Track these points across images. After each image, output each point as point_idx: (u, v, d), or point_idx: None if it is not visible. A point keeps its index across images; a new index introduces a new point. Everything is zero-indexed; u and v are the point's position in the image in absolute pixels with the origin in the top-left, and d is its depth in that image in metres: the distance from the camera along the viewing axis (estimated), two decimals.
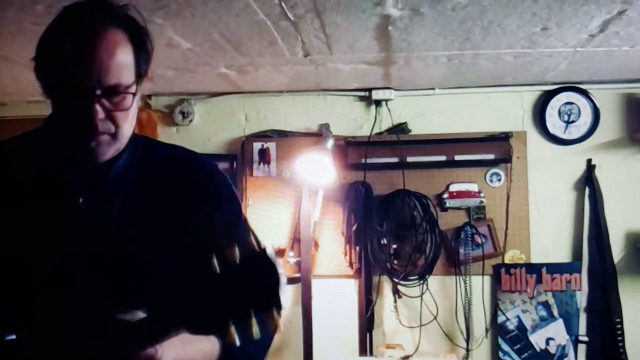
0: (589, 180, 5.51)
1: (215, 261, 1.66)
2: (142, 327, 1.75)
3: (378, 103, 5.68)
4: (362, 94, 5.71)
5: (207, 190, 2.26)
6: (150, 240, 2.09)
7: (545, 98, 5.58)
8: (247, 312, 1.68)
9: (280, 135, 5.72)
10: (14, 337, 1.83)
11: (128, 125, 2.07)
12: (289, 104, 5.80)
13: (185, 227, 2.14)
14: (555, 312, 5.46)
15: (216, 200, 2.27)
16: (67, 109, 1.99)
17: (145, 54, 2.08)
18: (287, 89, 5.68)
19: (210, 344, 2.00)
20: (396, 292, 5.55)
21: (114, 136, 2.03)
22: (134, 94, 2.03)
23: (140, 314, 1.77)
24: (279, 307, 1.68)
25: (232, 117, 5.84)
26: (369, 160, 5.49)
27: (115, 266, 1.99)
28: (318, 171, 5.30)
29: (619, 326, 5.36)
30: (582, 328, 5.44)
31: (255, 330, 1.69)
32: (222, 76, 5.13)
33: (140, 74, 2.07)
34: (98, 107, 1.95)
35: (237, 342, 1.68)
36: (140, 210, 2.13)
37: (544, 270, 5.50)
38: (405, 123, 5.67)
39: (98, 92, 1.94)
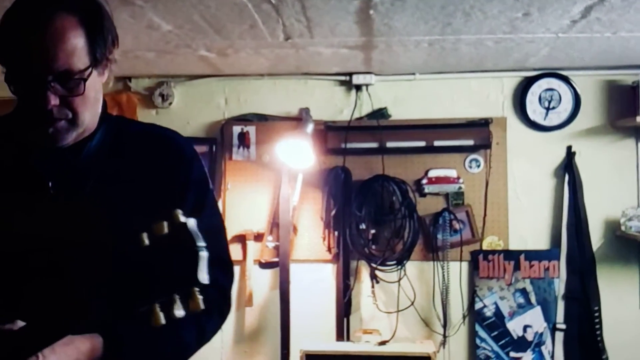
0: (568, 167, 5.51)
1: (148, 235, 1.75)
2: (23, 335, 1.78)
3: (358, 88, 5.67)
4: (343, 78, 5.69)
5: (177, 169, 2.25)
6: (118, 221, 2.06)
7: (526, 84, 5.57)
8: (170, 289, 1.78)
9: (260, 119, 5.70)
10: None
11: (86, 110, 2.06)
12: (269, 88, 5.77)
13: (150, 206, 2.09)
14: (533, 299, 5.47)
15: (183, 183, 2.25)
16: (23, 96, 2.01)
17: (100, 37, 2.05)
18: (267, 72, 5.66)
19: (92, 343, 1.94)
20: (374, 277, 5.54)
21: (72, 122, 2.04)
22: (86, 79, 2.01)
23: (20, 323, 1.80)
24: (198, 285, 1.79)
25: (212, 100, 5.81)
26: (348, 145, 5.48)
27: (83, 251, 2.00)
28: (297, 155, 5.31)
29: (596, 314, 5.38)
30: (560, 315, 5.45)
31: (178, 308, 1.77)
32: (203, 59, 5.10)
33: (97, 58, 2.04)
34: (50, 94, 1.95)
35: (162, 322, 1.74)
36: (111, 192, 2.12)
37: (522, 257, 5.50)
38: (385, 108, 5.65)
39: (49, 78, 1.95)
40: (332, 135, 5.53)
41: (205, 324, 2.19)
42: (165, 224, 1.85)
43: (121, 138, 2.23)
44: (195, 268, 2.13)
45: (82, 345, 1.90)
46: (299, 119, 5.60)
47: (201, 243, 2.14)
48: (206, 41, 4.57)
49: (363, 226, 5.48)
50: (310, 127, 5.43)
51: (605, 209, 5.49)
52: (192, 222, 2.10)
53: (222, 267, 2.27)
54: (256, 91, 5.77)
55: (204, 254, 2.16)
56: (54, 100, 1.96)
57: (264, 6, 3.76)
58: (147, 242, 1.74)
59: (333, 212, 5.50)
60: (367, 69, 5.50)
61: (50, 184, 2.07)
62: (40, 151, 2.09)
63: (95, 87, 2.08)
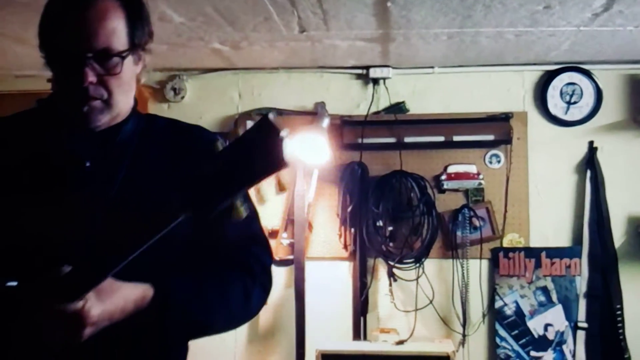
0: (590, 163, 5.47)
1: None
2: (67, 281, 1.80)
3: (375, 81, 5.63)
4: (360, 71, 5.67)
5: (208, 153, 2.29)
6: (152, 192, 2.10)
7: (547, 78, 5.54)
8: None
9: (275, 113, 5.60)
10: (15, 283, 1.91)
11: (121, 92, 2.15)
12: (284, 82, 5.75)
13: None
14: (554, 298, 5.44)
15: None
16: (62, 75, 2.10)
17: (140, 23, 2.17)
18: (282, 65, 5.63)
19: (143, 291, 2.00)
20: (391, 275, 5.51)
21: (107, 103, 2.12)
22: (124, 58, 2.11)
23: (66, 269, 1.81)
24: None
25: (225, 94, 5.79)
26: (365, 140, 5.45)
27: (118, 228, 1.94)
28: (313, 151, 5.25)
29: (619, 312, 5.34)
30: (582, 314, 5.41)
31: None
32: (216, 52, 5.10)
33: (135, 43, 2.15)
34: (88, 70, 2.04)
35: (244, 214, 2.09)
36: (146, 176, 2.20)
37: (543, 254, 5.47)
38: (403, 102, 5.62)
39: (89, 55, 2.04)
40: (349, 130, 5.49)
41: (251, 290, 2.29)
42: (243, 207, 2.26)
43: (152, 128, 2.33)
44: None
45: (130, 293, 1.96)
46: (315, 113, 5.56)
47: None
48: (219, 34, 4.57)
49: (380, 223, 5.45)
50: (326, 122, 5.38)
51: (628, 205, 5.46)
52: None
53: (263, 245, 2.41)
54: (270, 85, 5.75)
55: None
56: (92, 77, 2.04)
57: None
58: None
59: (349, 209, 5.47)
60: (384, 62, 5.46)
61: (87, 163, 2.15)
62: (75, 134, 2.17)
63: (131, 72, 2.18)
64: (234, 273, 2.27)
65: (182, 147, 2.31)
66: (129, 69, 2.16)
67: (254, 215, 2.42)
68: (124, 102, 2.19)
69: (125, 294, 1.93)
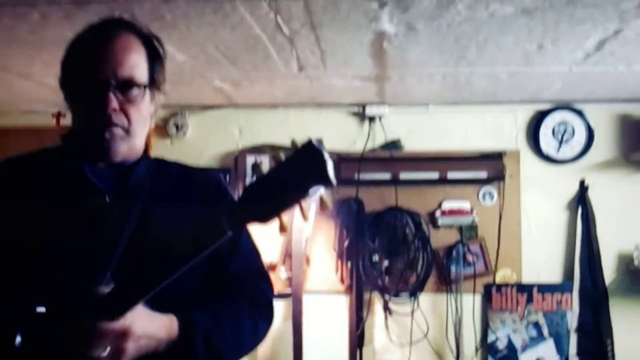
0: (581, 200, 5.54)
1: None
2: (111, 299, 1.92)
3: (372, 119, 5.72)
4: (356, 109, 5.75)
5: (217, 197, 2.44)
6: (169, 239, 2.10)
7: (540, 117, 5.61)
8: None
9: (273, 149, 5.70)
10: (44, 309, 1.98)
11: (140, 123, 2.27)
12: (282, 118, 5.82)
13: None
14: (546, 332, 5.49)
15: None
16: (85, 103, 2.19)
17: (159, 62, 2.33)
18: (281, 103, 5.70)
19: (169, 320, 2.10)
20: (387, 309, 5.58)
21: (127, 131, 2.22)
22: (145, 89, 2.24)
23: (106, 289, 1.94)
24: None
25: (226, 130, 5.86)
26: (361, 176, 5.52)
27: (134, 260, 2.08)
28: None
29: (609, 347, 5.39)
30: (573, 349, 5.46)
31: None
32: (217, 89, 5.17)
33: (154, 80, 2.29)
34: (112, 96, 2.15)
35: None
36: (158, 213, 2.27)
37: (535, 290, 5.53)
38: (398, 139, 5.70)
39: (113, 82, 2.16)
40: (345, 166, 5.54)
41: (258, 322, 2.41)
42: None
43: (163, 172, 2.43)
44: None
45: (160, 320, 2.06)
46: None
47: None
48: (221, 72, 4.64)
49: (376, 258, 5.53)
50: None
51: (619, 242, 5.51)
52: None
53: (266, 280, 2.53)
54: (270, 122, 5.82)
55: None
56: (115, 104, 2.16)
57: (279, 38, 3.83)
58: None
59: (346, 244, 5.53)
60: (380, 100, 5.54)
61: (107, 198, 2.24)
62: (96, 169, 2.26)
63: (148, 108, 2.30)
64: (244, 305, 2.38)
65: (193, 192, 2.43)
66: (147, 103, 2.28)
67: (256, 250, 2.54)
68: (140, 136, 2.31)
69: (157, 320, 2.04)
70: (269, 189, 1.80)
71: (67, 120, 5.69)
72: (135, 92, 2.21)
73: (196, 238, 1.87)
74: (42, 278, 2.10)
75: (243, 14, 3.44)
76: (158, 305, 2.01)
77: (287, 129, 5.76)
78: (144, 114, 2.28)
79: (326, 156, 1.76)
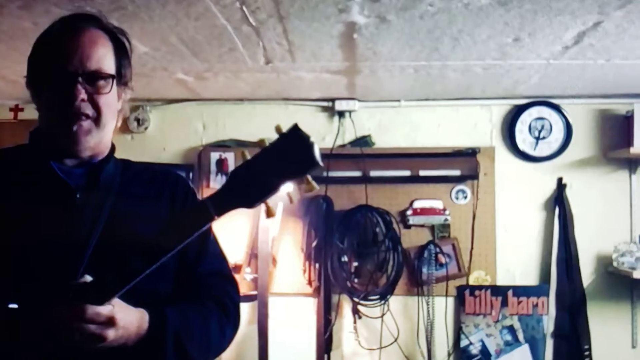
0: (559, 199, 5.50)
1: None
2: (97, 285, 2.00)
3: (341, 114, 5.67)
4: (325, 104, 5.70)
5: (185, 201, 2.51)
6: (138, 232, 2.19)
7: (516, 112, 5.58)
8: None
9: (239, 145, 5.66)
10: (15, 305, 2.07)
11: (109, 115, 2.32)
12: (248, 113, 5.76)
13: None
14: (521, 337, 5.45)
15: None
16: (53, 96, 2.25)
17: (126, 58, 2.41)
18: (247, 97, 5.66)
19: (141, 315, 2.16)
20: (356, 312, 5.52)
21: (95, 122, 2.28)
22: (113, 79, 2.30)
23: (88, 277, 2.02)
24: None
25: (189, 125, 5.81)
26: (330, 174, 5.43)
27: (108, 255, 2.12)
28: None
29: (587, 353, 5.36)
30: (549, 354, 5.42)
31: None
32: (180, 82, 5.10)
33: (121, 73, 2.36)
34: (80, 88, 2.21)
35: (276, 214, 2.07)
36: (129, 209, 2.34)
37: (510, 292, 5.49)
38: (369, 135, 5.65)
39: (80, 73, 2.22)
40: None
41: (225, 326, 2.47)
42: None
43: (130, 171, 2.50)
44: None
45: (134, 312, 2.14)
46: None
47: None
48: (184, 64, 4.57)
49: (345, 258, 5.46)
50: None
51: (597, 243, 5.48)
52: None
53: (233, 285, 2.59)
54: (235, 116, 5.76)
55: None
56: (82, 95, 2.22)
57: (245, 29, 3.75)
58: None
59: (314, 244, 5.46)
60: (350, 94, 5.49)
61: (78, 195, 2.29)
62: (65, 167, 2.32)
63: (115, 100, 2.36)
64: (212, 308, 2.43)
65: (163, 192, 2.49)
66: (114, 96, 2.33)
67: (223, 255, 2.61)
68: (108, 130, 2.35)
69: (131, 313, 2.12)
70: (254, 173, 1.91)
71: (25, 114, 5.65)
72: (102, 82, 2.27)
73: (182, 224, 1.99)
74: (14, 276, 2.15)
75: (207, 4, 3.37)
76: (130, 302, 2.10)
77: (253, 124, 5.73)
78: (112, 106, 2.33)
79: (312, 139, 1.89)
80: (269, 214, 2.00)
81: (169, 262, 2.04)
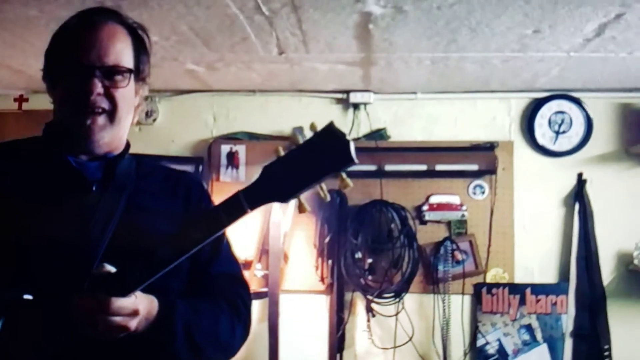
0: (579, 195, 5.47)
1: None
2: (117, 278, 2.00)
3: (356, 106, 5.64)
4: (340, 96, 5.67)
5: (200, 203, 2.53)
6: (154, 226, 2.30)
7: (535, 106, 5.55)
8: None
9: (250, 138, 5.65)
10: (30, 296, 2.06)
11: (125, 110, 2.32)
12: (260, 105, 5.74)
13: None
14: (539, 336, 5.41)
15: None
16: (69, 89, 2.25)
17: (144, 53, 2.40)
18: (259, 88, 5.63)
19: (150, 302, 2.14)
20: (370, 310, 5.48)
21: (110, 116, 2.28)
22: (130, 74, 2.29)
23: (110, 267, 2.03)
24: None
25: (199, 117, 5.79)
26: None
27: (121, 247, 2.19)
28: None
29: (607, 353, 5.32)
30: (568, 354, 5.37)
31: None
32: (190, 73, 5.09)
33: (139, 69, 2.36)
34: (96, 81, 2.22)
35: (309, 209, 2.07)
36: (144, 205, 2.38)
37: (528, 291, 5.45)
38: (384, 129, 5.62)
39: (97, 66, 2.23)
40: None
41: (236, 326, 2.47)
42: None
43: (144, 165, 2.53)
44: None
45: (148, 301, 2.12)
46: (292, 138, 5.43)
47: None
48: (194, 54, 4.56)
49: (359, 255, 5.41)
50: None
51: (618, 241, 5.44)
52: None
53: (245, 288, 2.60)
54: (247, 108, 5.74)
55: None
56: (99, 89, 2.23)
57: (257, 18, 3.76)
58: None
59: (327, 240, 5.43)
60: (365, 86, 5.47)
61: (94, 187, 2.30)
62: (81, 160, 2.33)
63: (133, 96, 2.36)
64: (223, 306, 2.43)
65: (177, 191, 2.52)
66: (132, 91, 2.34)
67: (236, 259, 2.64)
68: (124, 126, 2.36)
69: (147, 301, 2.12)
70: (289, 169, 1.95)
71: (30, 105, 5.65)
72: (120, 77, 2.27)
73: (214, 216, 1.99)
74: (28, 268, 2.15)
75: None
76: None
77: (265, 116, 5.72)
78: (129, 101, 2.33)
79: (348, 137, 1.89)
80: (302, 209, 2.03)
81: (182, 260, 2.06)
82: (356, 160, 1.90)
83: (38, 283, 2.09)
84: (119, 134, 2.36)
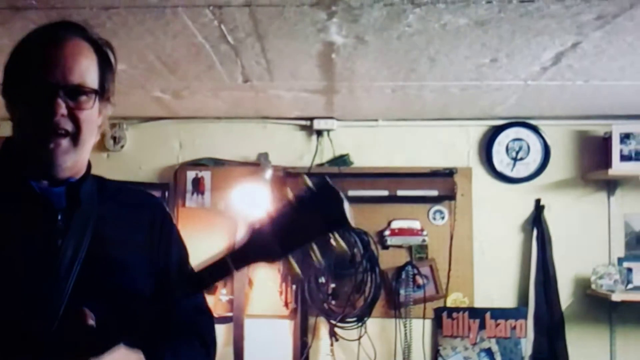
0: (537, 221, 5.56)
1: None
2: (91, 336, 1.89)
3: (320, 133, 5.73)
4: (304, 123, 5.76)
5: (163, 228, 2.44)
6: (120, 258, 2.23)
7: (493, 133, 5.65)
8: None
9: (216, 164, 5.72)
10: None
11: (89, 132, 2.18)
12: (226, 131, 5.81)
13: (146, 254, 2.34)
14: None
15: (171, 239, 2.46)
16: (31, 109, 2.11)
17: (110, 71, 2.26)
18: (224, 115, 5.71)
19: (137, 356, 2.07)
20: (333, 334, 5.54)
21: (74, 139, 2.14)
22: (95, 95, 2.16)
23: (91, 321, 1.90)
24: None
25: (165, 143, 5.85)
26: None
27: (89, 281, 2.10)
28: (255, 203, 5.27)
29: None
30: None
31: None
32: (157, 100, 5.15)
33: (104, 88, 2.21)
34: (60, 101, 2.08)
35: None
36: (110, 234, 2.24)
37: (487, 315, 5.52)
38: (347, 155, 5.70)
39: (61, 86, 2.09)
40: (292, 181, 5.48)
41: None
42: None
43: (105, 187, 2.37)
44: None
45: (133, 357, 2.04)
46: (257, 164, 5.63)
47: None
48: (161, 82, 4.61)
49: (322, 280, 5.48)
50: (268, 173, 5.47)
51: (576, 265, 5.54)
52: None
53: (210, 316, 2.53)
54: (212, 135, 5.81)
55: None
56: (63, 110, 2.08)
57: (223, 47, 3.82)
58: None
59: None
60: (328, 113, 5.57)
61: (59, 216, 2.16)
62: (41, 185, 2.17)
63: (96, 117, 2.22)
64: (197, 348, 2.37)
65: (141, 215, 2.40)
66: (96, 112, 2.20)
67: None
68: (87, 149, 2.22)
69: (125, 355, 2.00)
70: (279, 229, 1.86)
71: (2, 130, 5.62)
72: (84, 98, 2.13)
73: (200, 276, 1.92)
74: None
75: (185, 22, 3.43)
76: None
77: (230, 142, 5.79)
78: (92, 123, 2.19)
79: (342, 196, 1.83)
80: (292, 271, 1.97)
81: (151, 270, 2.10)
82: (352, 224, 1.84)
83: (5, 334, 1.97)
84: (82, 157, 2.22)
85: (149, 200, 2.54)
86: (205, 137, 5.81)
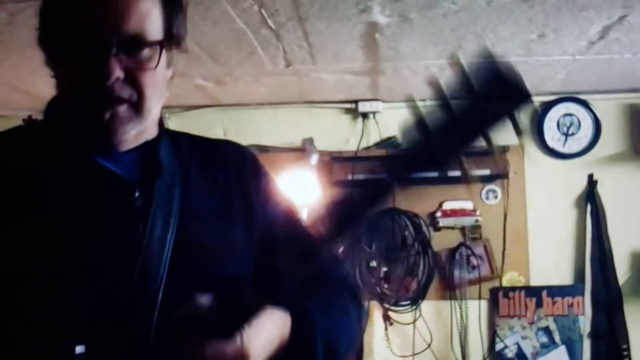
0: (590, 196, 5.53)
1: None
2: (220, 314, 1.53)
3: (365, 116, 5.71)
4: (348, 106, 5.75)
5: (258, 184, 2.01)
6: (216, 228, 1.86)
7: (543, 109, 5.59)
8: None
9: (261, 150, 5.66)
10: (83, 349, 1.57)
11: (155, 96, 1.75)
12: (270, 118, 5.82)
13: (247, 214, 1.94)
14: (557, 339, 5.48)
15: (270, 193, 2.04)
16: (76, 74, 1.67)
17: (178, 10, 1.80)
18: (268, 101, 5.70)
19: (282, 320, 1.71)
20: (387, 318, 5.57)
21: (136, 108, 1.71)
22: (160, 49, 1.71)
23: (203, 300, 1.54)
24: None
25: (209, 131, 5.61)
26: (356, 177, 5.46)
27: (184, 259, 1.73)
28: (302, 189, 5.28)
29: (625, 353, 5.38)
30: (586, 355, 5.44)
31: None
32: (199, 88, 5.17)
33: (172, 34, 1.76)
34: (114, 62, 1.63)
35: None
36: (199, 202, 1.86)
37: (544, 293, 5.51)
38: (394, 137, 5.66)
39: (115, 41, 1.63)
40: (338, 166, 5.53)
41: (359, 310, 2.18)
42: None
43: (180, 143, 1.96)
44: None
45: (273, 319, 1.65)
46: (303, 150, 5.64)
47: None
48: (202, 69, 4.63)
49: (374, 264, 5.50)
50: (314, 159, 5.48)
51: (631, 240, 5.51)
52: None
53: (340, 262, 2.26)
54: (256, 121, 5.82)
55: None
56: (118, 72, 1.64)
57: (263, 32, 3.82)
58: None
59: (341, 249, 5.37)
60: (373, 95, 5.55)
61: (136, 193, 1.75)
62: (103, 154, 1.76)
63: (164, 74, 1.79)
64: (343, 294, 2.02)
65: (229, 176, 1.97)
66: (163, 68, 1.76)
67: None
68: (154, 114, 1.79)
69: (276, 322, 1.68)
70: (440, 126, 1.45)
71: (2, 126, 5.65)
72: (147, 53, 1.69)
73: (362, 198, 1.51)
74: (69, 307, 1.62)
75: (225, 7, 3.44)
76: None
77: (275, 128, 5.79)
78: (159, 84, 1.76)
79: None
80: (467, 178, 1.50)
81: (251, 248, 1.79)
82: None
83: (88, 329, 1.59)
84: (150, 123, 1.80)
85: (232, 152, 2.07)
86: (249, 124, 5.80)
